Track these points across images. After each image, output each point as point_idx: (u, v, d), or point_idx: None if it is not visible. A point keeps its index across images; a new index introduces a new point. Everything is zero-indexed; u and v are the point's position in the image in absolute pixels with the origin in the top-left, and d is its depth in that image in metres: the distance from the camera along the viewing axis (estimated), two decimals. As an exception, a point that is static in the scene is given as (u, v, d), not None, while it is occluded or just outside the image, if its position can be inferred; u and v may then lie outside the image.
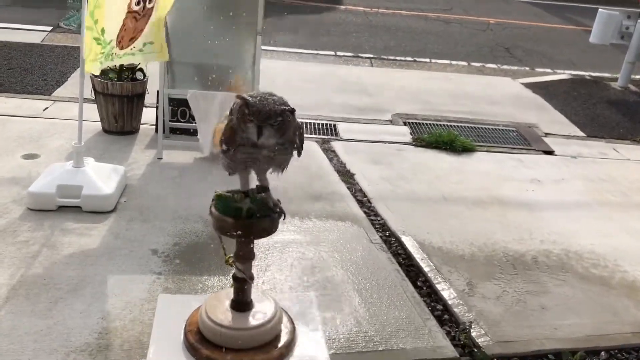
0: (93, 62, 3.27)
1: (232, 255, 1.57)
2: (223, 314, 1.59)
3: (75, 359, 2.27)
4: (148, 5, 3.52)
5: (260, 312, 1.61)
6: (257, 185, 1.52)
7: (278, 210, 1.52)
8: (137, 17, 3.49)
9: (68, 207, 3.34)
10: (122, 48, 3.54)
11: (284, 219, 1.53)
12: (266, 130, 1.48)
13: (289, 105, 1.54)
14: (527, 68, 8.08)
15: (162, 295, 1.75)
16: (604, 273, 3.37)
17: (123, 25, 3.40)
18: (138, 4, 3.39)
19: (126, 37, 3.53)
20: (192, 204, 3.53)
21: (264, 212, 1.49)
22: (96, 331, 2.43)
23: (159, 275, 2.87)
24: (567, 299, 3.10)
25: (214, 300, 1.67)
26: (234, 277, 1.56)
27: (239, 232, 1.48)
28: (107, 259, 2.97)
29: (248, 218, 1.47)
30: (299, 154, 1.65)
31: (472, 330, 2.76)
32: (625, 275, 3.37)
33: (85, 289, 2.71)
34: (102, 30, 3.24)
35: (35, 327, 2.42)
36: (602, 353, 2.72)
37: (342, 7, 10.64)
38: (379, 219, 3.72)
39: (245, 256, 1.54)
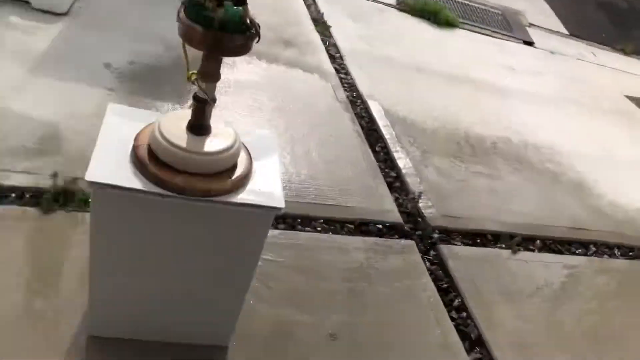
0: None
1: (195, 72, 1.41)
2: (178, 134, 1.47)
3: (9, 163, 2.13)
4: None
5: (219, 139, 1.49)
6: (234, -4, 1.33)
7: (254, 29, 1.35)
8: None
9: (15, 1, 3.00)
10: None
11: (258, 41, 1.36)
12: None
13: None
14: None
15: (112, 105, 1.60)
16: (556, 169, 3.42)
17: None
18: None
19: None
20: (156, 25, 3.24)
21: (238, 28, 1.32)
22: (36, 135, 2.28)
23: (110, 91, 2.68)
24: (517, 186, 3.15)
25: (170, 119, 1.54)
26: (195, 97, 1.41)
27: (207, 44, 1.32)
28: (55, 63, 2.73)
29: (220, 30, 1.29)
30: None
31: (420, 200, 2.78)
32: (576, 175, 3.42)
33: (26, 92, 2.50)
34: None
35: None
36: (538, 241, 2.81)
37: None
38: (348, 78, 3.57)
39: (210, 74, 1.38)
